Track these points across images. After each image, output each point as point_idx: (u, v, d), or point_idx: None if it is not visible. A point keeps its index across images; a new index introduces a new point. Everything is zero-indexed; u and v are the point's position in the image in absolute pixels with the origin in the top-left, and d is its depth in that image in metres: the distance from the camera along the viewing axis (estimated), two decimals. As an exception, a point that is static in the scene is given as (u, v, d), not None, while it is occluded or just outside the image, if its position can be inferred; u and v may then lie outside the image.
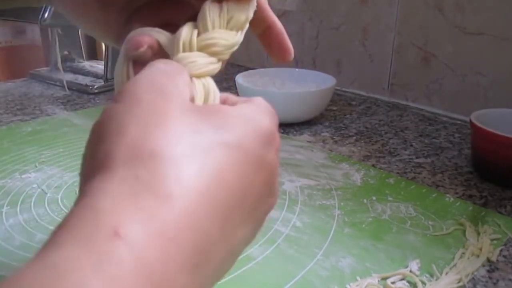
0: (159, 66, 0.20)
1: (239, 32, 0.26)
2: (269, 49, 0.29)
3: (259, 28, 0.28)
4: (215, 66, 0.25)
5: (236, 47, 0.26)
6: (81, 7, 0.27)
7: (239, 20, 0.26)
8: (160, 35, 0.25)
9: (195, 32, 0.25)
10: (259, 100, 0.23)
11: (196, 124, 0.18)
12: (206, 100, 0.23)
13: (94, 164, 0.16)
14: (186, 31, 0.25)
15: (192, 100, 0.21)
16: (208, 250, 0.17)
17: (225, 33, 0.25)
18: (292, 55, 0.29)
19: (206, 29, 0.25)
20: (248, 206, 0.19)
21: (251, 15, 0.26)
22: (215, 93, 0.23)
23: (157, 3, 0.28)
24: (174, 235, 0.15)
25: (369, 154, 0.62)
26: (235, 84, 0.73)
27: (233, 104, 0.23)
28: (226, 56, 0.25)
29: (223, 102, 0.24)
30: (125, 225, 0.14)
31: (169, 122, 0.17)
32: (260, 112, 0.22)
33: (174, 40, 0.24)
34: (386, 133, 0.70)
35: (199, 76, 0.23)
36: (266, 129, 0.21)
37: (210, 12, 0.25)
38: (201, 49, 0.25)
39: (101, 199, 0.15)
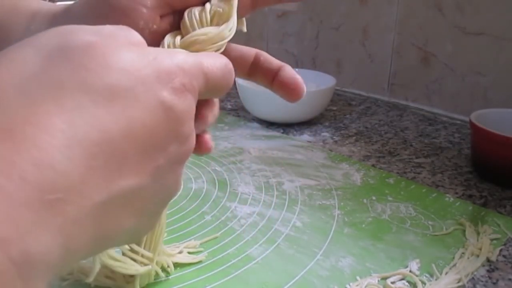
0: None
1: (224, 24, 0.26)
2: (284, 91, 0.30)
3: (268, 76, 0.29)
4: None
5: (226, 38, 0.26)
6: None
7: (222, 12, 0.26)
8: None
9: (178, 37, 0.26)
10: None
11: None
12: None
13: None
14: (168, 37, 0.26)
15: None
16: (67, 190, 0.16)
17: (205, 29, 0.26)
18: (304, 91, 0.30)
19: (187, 32, 0.26)
20: (133, 150, 0.18)
21: (234, 1, 0.26)
22: None
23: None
24: (20, 170, 0.15)
25: (369, 154, 0.62)
26: (235, 85, 0.73)
27: None
28: (217, 49, 0.26)
29: None
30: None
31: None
32: (179, 51, 0.21)
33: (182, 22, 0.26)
34: (386, 133, 0.70)
35: None
36: (163, 64, 0.19)
37: (191, 15, 0.26)
38: (184, 48, 0.25)
39: None
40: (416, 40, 0.80)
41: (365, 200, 0.49)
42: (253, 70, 0.30)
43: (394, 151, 0.63)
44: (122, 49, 0.18)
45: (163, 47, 0.25)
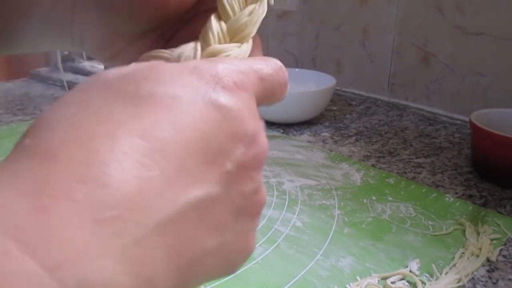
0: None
1: (258, 2, 0.26)
2: None
3: None
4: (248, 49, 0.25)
5: (263, 13, 0.26)
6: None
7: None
8: (164, 54, 0.25)
9: (221, 22, 0.25)
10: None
11: (114, 88, 0.17)
12: None
13: None
14: (214, 23, 0.24)
15: None
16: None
17: (247, 9, 0.25)
18: None
19: (227, 15, 0.25)
20: (193, 157, 0.16)
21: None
22: None
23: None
24: (63, 187, 0.13)
25: (369, 154, 0.62)
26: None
27: None
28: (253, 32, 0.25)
29: None
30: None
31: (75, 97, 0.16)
32: (216, 63, 0.19)
33: (203, 33, 0.24)
34: (386, 133, 0.70)
35: None
36: (212, 72, 0.18)
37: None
38: (232, 35, 0.25)
39: None
40: (416, 40, 0.80)
41: (365, 200, 0.49)
42: None
43: (394, 151, 0.63)
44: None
45: (212, 36, 0.24)
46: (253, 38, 0.27)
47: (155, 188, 0.15)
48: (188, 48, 0.24)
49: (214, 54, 0.24)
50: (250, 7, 0.25)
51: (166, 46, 0.28)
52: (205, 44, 0.24)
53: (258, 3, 0.25)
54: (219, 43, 0.25)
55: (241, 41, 0.25)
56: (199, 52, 0.24)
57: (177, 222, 0.15)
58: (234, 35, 0.25)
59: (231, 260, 0.19)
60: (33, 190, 0.13)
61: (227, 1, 0.25)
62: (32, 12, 0.28)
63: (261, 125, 0.19)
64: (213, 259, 0.18)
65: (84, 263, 0.12)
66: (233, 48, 0.24)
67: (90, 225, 0.13)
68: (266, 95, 0.21)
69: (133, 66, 0.18)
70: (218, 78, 0.18)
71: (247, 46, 0.25)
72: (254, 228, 0.19)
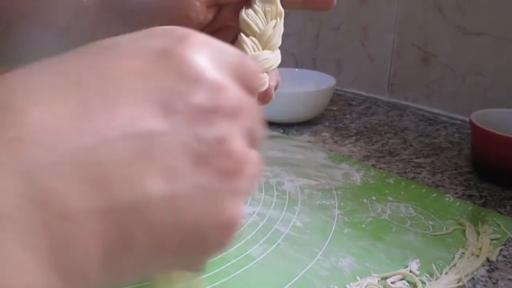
0: None
1: (276, 19, 0.30)
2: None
3: None
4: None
5: (281, 31, 0.30)
6: None
7: (271, 10, 0.30)
8: None
9: (251, 37, 0.29)
10: None
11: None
12: None
13: None
14: (245, 38, 0.29)
15: None
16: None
17: (270, 25, 0.29)
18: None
19: (252, 30, 0.29)
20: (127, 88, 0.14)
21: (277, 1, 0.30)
22: None
23: None
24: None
25: (369, 154, 0.62)
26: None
27: None
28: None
29: None
30: None
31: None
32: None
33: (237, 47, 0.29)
34: (386, 133, 0.70)
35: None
36: (160, 30, 0.17)
37: (249, 15, 0.29)
38: (263, 46, 0.29)
39: None
40: (416, 40, 0.80)
41: (365, 200, 0.49)
42: None
43: (394, 151, 0.63)
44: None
45: (246, 47, 0.28)
46: None
47: (71, 117, 0.13)
48: (244, 37, 0.29)
49: (254, 59, 0.28)
50: (273, 22, 0.29)
51: None
52: (248, 30, 0.29)
53: (278, 18, 0.30)
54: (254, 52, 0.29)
55: (271, 49, 0.29)
56: (255, 40, 0.29)
57: (104, 154, 0.13)
58: (265, 45, 0.29)
59: (198, 228, 0.15)
60: None
61: (251, 19, 0.29)
62: (52, 21, 0.29)
63: (227, 80, 0.17)
64: (163, 216, 0.14)
65: None
66: (267, 54, 0.29)
67: None
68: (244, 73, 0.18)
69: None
70: (165, 31, 0.17)
71: (278, 54, 0.30)
72: (230, 190, 0.16)
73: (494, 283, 0.36)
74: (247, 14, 0.29)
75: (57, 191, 0.12)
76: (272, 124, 0.72)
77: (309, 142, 0.66)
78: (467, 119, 0.62)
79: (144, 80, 0.15)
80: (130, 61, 0.15)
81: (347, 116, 0.78)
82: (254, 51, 0.29)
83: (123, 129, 0.14)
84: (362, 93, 0.91)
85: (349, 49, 0.91)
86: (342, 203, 0.48)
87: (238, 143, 0.16)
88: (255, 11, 0.29)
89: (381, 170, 0.56)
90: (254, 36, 0.29)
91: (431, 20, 0.77)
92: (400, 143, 0.66)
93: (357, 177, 0.54)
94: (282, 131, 0.70)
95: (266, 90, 0.29)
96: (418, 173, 0.56)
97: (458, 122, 0.75)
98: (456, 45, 0.75)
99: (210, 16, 0.29)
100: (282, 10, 0.30)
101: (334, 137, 0.68)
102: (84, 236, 0.13)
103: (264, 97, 0.29)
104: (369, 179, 0.54)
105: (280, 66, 0.30)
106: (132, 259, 0.14)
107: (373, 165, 0.58)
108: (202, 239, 0.15)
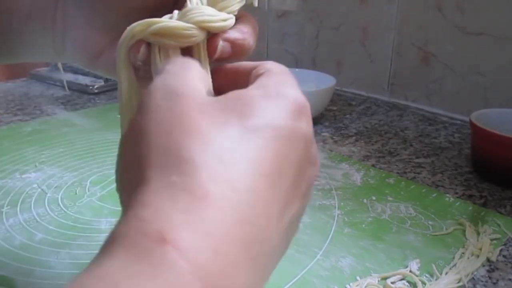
0: (168, 68, 0.20)
1: None
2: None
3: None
4: (231, 22, 0.25)
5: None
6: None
7: None
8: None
9: None
10: (275, 68, 0.22)
11: (219, 118, 0.18)
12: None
13: (131, 179, 0.17)
14: None
15: (210, 92, 0.21)
16: (260, 241, 0.16)
17: None
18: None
19: None
20: (289, 184, 0.19)
21: None
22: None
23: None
24: (221, 232, 0.15)
25: (369, 154, 0.62)
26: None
27: (247, 73, 0.22)
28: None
29: (236, 73, 0.24)
30: (170, 229, 0.14)
31: (191, 125, 0.17)
32: (280, 82, 0.20)
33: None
34: (386, 133, 0.70)
35: (210, 29, 0.24)
36: (291, 100, 0.20)
37: None
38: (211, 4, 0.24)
39: (143, 209, 0.15)
40: (416, 40, 0.80)
41: (365, 200, 0.49)
42: None
43: (394, 151, 0.63)
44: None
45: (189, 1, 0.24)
46: (245, 17, 0.27)
47: (271, 208, 0.18)
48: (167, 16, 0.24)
49: (190, 10, 0.23)
50: None
51: None
52: (184, 5, 0.24)
53: None
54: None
55: (221, 10, 0.25)
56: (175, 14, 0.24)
57: (279, 239, 0.19)
58: (215, 4, 0.24)
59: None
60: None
61: None
62: (14, 8, 0.28)
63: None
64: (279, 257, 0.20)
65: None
66: (208, 10, 0.24)
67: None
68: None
69: (223, 98, 0.19)
70: (299, 108, 0.20)
71: (225, 16, 0.24)
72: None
73: (494, 283, 0.36)
74: None
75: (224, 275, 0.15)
76: (272, 124, 0.72)
77: (309, 142, 0.66)
78: (467, 119, 0.62)
79: (294, 169, 0.19)
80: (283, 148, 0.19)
81: (347, 116, 0.78)
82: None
83: (287, 217, 0.19)
84: (362, 93, 0.91)
85: (349, 49, 0.91)
86: (342, 203, 0.48)
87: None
88: None
89: (381, 170, 0.56)
90: None
91: (431, 20, 0.77)
92: (400, 143, 0.66)
93: (357, 177, 0.54)
94: (282, 131, 0.70)
95: (216, 42, 0.24)
96: (418, 173, 0.56)
97: (458, 122, 0.75)
98: (456, 45, 0.75)
99: None
100: None
101: (334, 137, 0.68)
102: None
103: (213, 49, 0.24)
104: (369, 179, 0.54)
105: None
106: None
107: (373, 165, 0.58)
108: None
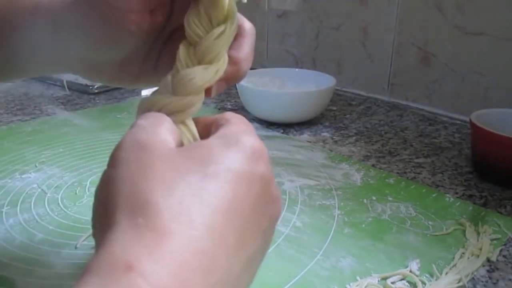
0: (139, 123, 0.22)
1: (228, 22, 0.26)
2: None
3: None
4: (223, 65, 0.26)
5: (234, 31, 0.26)
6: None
7: (217, 13, 0.26)
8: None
9: (191, 48, 0.26)
10: (234, 118, 0.24)
11: (182, 166, 0.20)
12: (193, 136, 0.24)
13: (103, 223, 0.19)
14: (182, 52, 0.25)
15: (181, 143, 0.23)
16: (217, 269, 0.18)
17: (217, 30, 0.26)
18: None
19: (194, 40, 0.26)
20: (248, 220, 0.21)
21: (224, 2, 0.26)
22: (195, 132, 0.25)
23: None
24: (180, 261, 0.17)
25: (369, 154, 0.62)
26: (235, 85, 0.73)
27: (207, 125, 0.25)
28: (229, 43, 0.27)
29: (205, 124, 0.25)
30: (135, 260, 0.16)
31: (155, 173, 0.19)
32: (238, 131, 0.23)
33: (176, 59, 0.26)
34: (386, 133, 0.70)
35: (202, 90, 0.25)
36: (248, 147, 0.22)
37: (191, 23, 0.26)
38: (200, 59, 0.25)
39: (112, 246, 0.17)
40: (416, 40, 0.80)
41: (365, 200, 0.49)
42: None
43: (394, 151, 0.63)
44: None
45: (178, 59, 0.25)
46: (244, 30, 0.28)
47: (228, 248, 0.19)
48: (167, 79, 0.26)
49: (181, 79, 0.25)
50: (218, 30, 0.25)
51: (157, 63, 0.31)
52: (175, 71, 0.25)
53: (229, 23, 0.25)
54: (187, 67, 0.25)
55: (210, 62, 0.25)
56: (169, 80, 0.25)
57: (241, 271, 0.20)
58: (202, 58, 0.25)
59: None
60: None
61: (191, 28, 0.25)
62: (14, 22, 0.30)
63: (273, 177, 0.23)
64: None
65: None
66: (197, 71, 0.25)
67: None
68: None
69: (187, 147, 0.22)
70: (256, 153, 0.22)
71: (216, 66, 0.25)
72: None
73: (494, 283, 0.36)
74: (188, 19, 0.25)
75: None
76: (272, 124, 0.72)
77: (309, 142, 0.66)
78: (467, 119, 0.62)
79: (253, 210, 0.21)
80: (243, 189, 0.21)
81: (347, 116, 0.78)
82: (188, 66, 0.25)
83: (248, 254, 0.21)
84: (362, 93, 0.91)
85: (349, 49, 0.91)
86: (342, 203, 0.48)
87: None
88: (197, 14, 0.25)
89: (381, 170, 0.56)
90: (195, 46, 0.25)
91: (431, 20, 0.77)
92: (400, 143, 0.66)
93: (357, 177, 0.54)
94: (282, 131, 0.70)
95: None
96: (418, 173, 0.56)
97: (458, 122, 0.75)
98: (456, 45, 0.75)
99: (160, 18, 0.27)
100: (234, 12, 0.25)
101: (334, 137, 0.68)
102: None
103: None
104: (369, 179, 0.54)
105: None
106: None
107: (373, 165, 0.58)
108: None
